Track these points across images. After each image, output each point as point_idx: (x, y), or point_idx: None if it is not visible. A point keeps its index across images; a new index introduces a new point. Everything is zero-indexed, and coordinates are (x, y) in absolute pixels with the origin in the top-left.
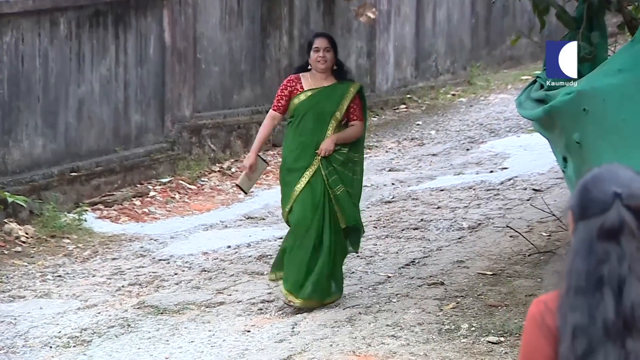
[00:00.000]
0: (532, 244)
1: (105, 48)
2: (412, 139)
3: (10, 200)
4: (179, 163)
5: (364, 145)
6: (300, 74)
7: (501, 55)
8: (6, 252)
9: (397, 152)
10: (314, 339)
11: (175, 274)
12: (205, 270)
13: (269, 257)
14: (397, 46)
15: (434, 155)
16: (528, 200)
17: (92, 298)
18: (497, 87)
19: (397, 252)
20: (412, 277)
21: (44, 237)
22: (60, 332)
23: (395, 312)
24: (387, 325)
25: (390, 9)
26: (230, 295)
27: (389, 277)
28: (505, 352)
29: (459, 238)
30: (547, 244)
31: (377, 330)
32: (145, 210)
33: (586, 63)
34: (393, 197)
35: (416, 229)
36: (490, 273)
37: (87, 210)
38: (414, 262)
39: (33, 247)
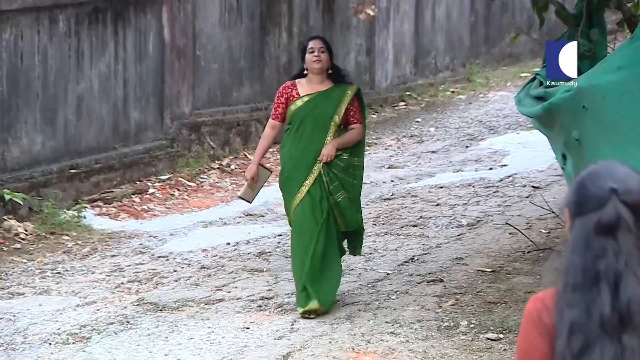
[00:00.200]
0: (531, 241)
1: (104, 45)
2: (411, 136)
3: (9, 197)
4: (178, 160)
5: (364, 148)
6: (296, 80)
7: (500, 52)
8: (5, 249)
9: (397, 150)
10: (313, 335)
11: (175, 270)
12: (204, 267)
13: (268, 254)
14: (396, 43)
15: (433, 152)
16: (527, 197)
17: (91, 295)
18: (497, 85)
19: (396, 249)
20: (411, 274)
21: (43, 234)
22: (59, 328)
23: (394, 309)
24: (386, 322)
25: (390, 6)
26: (229, 292)
27: (388, 274)
28: (505, 349)
29: (458, 235)
30: (546, 241)
31: (376, 327)
32: (145, 207)
33: (585, 60)
34: (392, 194)
35: (415, 226)
36: (490, 270)
37: (86, 207)
38: (413, 259)
39: (32, 244)
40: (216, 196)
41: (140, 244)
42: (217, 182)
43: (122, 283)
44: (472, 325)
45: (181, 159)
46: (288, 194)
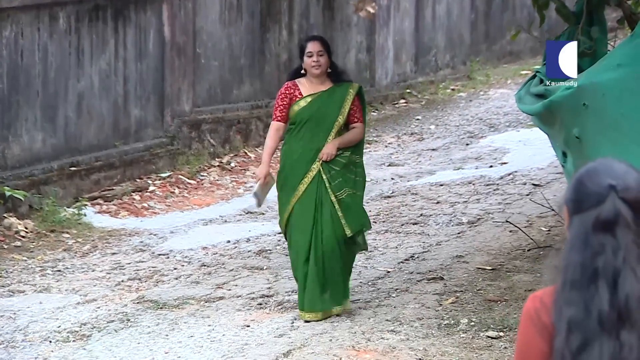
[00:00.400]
0: (532, 239)
1: (104, 42)
2: (411, 133)
3: (9, 194)
4: (179, 158)
5: (363, 146)
6: (296, 80)
7: (501, 50)
8: (6, 247)
9: (397, 147)
10: (313, 333)
11: (175, 268)
12: (204, 265)
13: (269, 251)
14: (396, 41)
15: (433, 150)
16: (527, 195)
17: (91, 293)
18: (497, 82)
19: (396, 247)
20: (412, 272)
21: (44, 231)
22: (59, 326)
23: (394, 307)
24: (387, 320)
25: (390, 3)
26: (229, 290)
27: (388, 272)
28: (505, 347)
29: (459, 233)
30: (546, 239)
31: (376, 325)
32: (145, 204)
33: (586, 58)
34: (392, 192)
35: (415, 223)
36: (490, 268)
37: (86, 204)
38: (413, 257)
39: (32, 242)
40: (216, 194)
41: (141, 242)
42: (218, 180)
43: (122, 281)
44: (473, 323)
45: (181, 156)
46: (286, 192)
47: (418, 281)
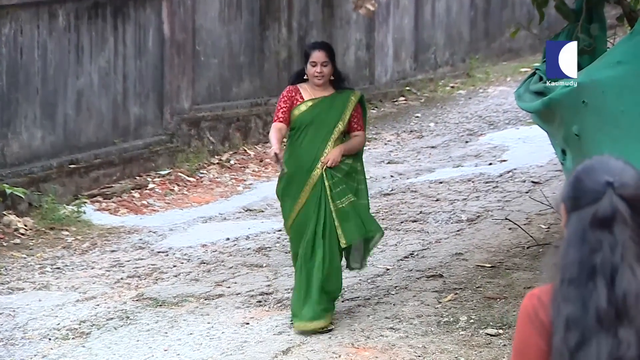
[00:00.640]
0: (531, 237)
1: (104, 40)
2: (411, 131)
3: (8, 192)
4: (178, 155)
5: (362, 155)
6: (298, 85)
7: (500, 47)
8: (5, 244)
9: (396, 145)
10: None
11: (174, 266)
12: (204, 263)
13: (268, 249)
14: (396, 38)
15: (432, 147)
16: (527, 192)
17: (90, 290)
18: (496, 80)
19: (395, 245)
20: (411, 270)
21: (43, 229)
22: (59, 324)
23: (393, 305)
24: (386, 317)
25: (389, 1)
26: (229, 287)
27: (387, 269)
28: (504, 345)
29: (458, 230)
30: (545, 237)
31: (375, 323)
32: (144, 202)
33: (585, 55)
34: (392, 190)
35: (415, 221)
36: (489, 265)
37: (85, 202)
38: (412, 254)
39: (32, 239)
40: (216, 191)
41: (140, 239)
42: (217, 178)
43: (121, 278)
44: (472, 321)
45: (181, 154)
46: (289, 199)
47: (417, 279)
